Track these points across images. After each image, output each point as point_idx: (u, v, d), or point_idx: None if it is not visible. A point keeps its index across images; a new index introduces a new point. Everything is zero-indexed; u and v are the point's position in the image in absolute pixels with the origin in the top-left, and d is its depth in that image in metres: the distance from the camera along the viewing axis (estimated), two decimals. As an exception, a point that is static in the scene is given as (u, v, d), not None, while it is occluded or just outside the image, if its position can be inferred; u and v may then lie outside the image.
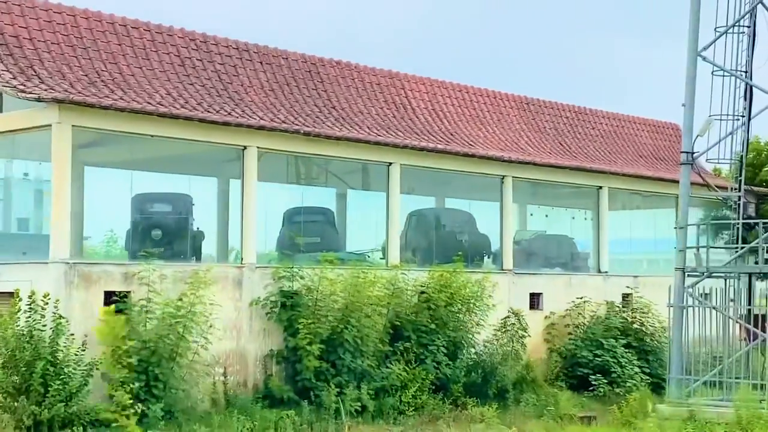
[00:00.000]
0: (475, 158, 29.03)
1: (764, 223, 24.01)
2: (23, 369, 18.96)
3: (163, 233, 24.59)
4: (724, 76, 24.90)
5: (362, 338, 23.68)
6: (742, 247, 24.22)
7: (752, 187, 33.55)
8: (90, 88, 22.40)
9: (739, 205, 24.68)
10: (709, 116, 24.93)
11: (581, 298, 31.08)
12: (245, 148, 23.94)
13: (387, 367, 24.21)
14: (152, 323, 20.81)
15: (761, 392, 23.42)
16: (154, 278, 21.31)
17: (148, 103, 22.94)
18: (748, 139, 24.85)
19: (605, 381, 28.41)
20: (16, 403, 18.99)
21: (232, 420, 20.85)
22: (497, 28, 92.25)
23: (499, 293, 28.55)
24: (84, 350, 19.86)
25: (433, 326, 25.48)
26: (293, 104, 27.01)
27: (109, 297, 20.91)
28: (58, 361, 19.28)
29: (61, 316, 19.64)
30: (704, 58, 24.73)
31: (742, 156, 24.87)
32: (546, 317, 30.55)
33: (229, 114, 24.35)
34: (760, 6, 24.72)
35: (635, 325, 31.53)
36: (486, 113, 33.11)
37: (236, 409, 21.80)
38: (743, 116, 24.64)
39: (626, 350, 29.92)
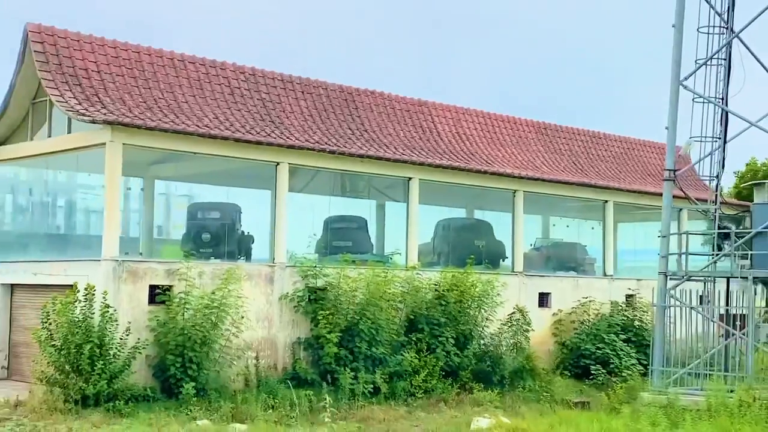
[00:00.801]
0: (487, 174, 28.51)
1: (736, 233, 23.16)
2: (74, 350, 19.04)
3: (211, 236, 24.62)
4: (704, 102, 24.13)
5: (377, 329, 23.35)
6: (717, 254, 23.38)
7: (730, 200, 32.11)
8: (146, 113, 22.49)
9: (715, 216, 23.83)
10: (690, 138, 24.15)
11: (587, 297, 30.39)
12: (278, 164, 23.80)
13: (401, 355, 23.82)
14: (189, 313, 20.74)
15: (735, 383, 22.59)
16: (193, 274, 21.26)
17: (197, 126, 22.96)
18: (724, 159, 23.96)
19: (604, 371, 27.67)
20: (67, 380, 19.09)
21: (257, 397, 20.69)
22: (530, 63, 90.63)
23: (509, 292, 28.03)
24: (128, 335, 19.91)
25: (443, 320, 25.03)
26: (329, 127, 26.84)
27: (153, 290, 20.93)
28: (105, 344, 19.33)
29: (108, 306, 19.70)
30: (685, 87, 23.96)
31: (718, 174, 24.01)
32: (554, 314, 29.88)
33: (269, 135, 24.25)
34: (735, 40, 23.85)
35: (636, 323, 30.74)
36: (505, 136, 32.56)
37: (264, 388, 21.67)
38: (719, 138, 23.81)
39: (626, 344, 29.18)
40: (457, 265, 27.95)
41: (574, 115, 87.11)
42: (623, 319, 30.50)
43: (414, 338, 24.61)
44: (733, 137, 24.23)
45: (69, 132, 22.42)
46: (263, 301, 22.98)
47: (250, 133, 23.95)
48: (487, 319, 26.50)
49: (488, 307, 26.43)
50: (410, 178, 26.92)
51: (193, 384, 20.00)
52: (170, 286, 21.07)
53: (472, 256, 27.04)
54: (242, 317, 21.50)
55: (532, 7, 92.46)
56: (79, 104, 21.53)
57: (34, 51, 21.94)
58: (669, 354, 23.85)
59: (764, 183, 24.94)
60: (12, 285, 23.66)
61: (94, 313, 19.47)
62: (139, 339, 20.06)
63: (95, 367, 18.93)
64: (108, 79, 22.86)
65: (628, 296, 32.00)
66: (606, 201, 32.30)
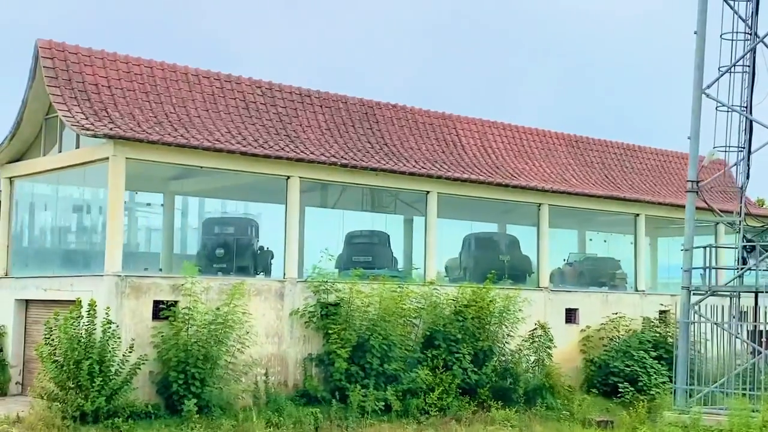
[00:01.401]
0: (509, 188, 27.75)
1: (763, 246, 22.10)
2: (73, 367, 18.74)
3: (225, 251, 24.26)
4: (728, 111, 23.13)
5: (390, 345, 22.71)
6: (741, 268, 22.33)
7: (757, 211, 30.67)
8: (156, 127, 22.21)
9: (739, 229, 22.77)
10: (714, 148, 23.17)
11: (616, 313, 29.39)
12: (288, 177, 23.34)
13: (414, 372, 23.13)
14: (192, 329, 20.33)
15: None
16: (198, 290, 20.85)
17: (207, 140, 22.62)
18: (748, 170, 22.91)
19: (632, 389, 26.66)
20: (66, 396, 18.78)
21: (261, 414, 20.19)
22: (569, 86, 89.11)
23: (534, 308, 27.22)
24: (131, 352, 19.56)
25: (461, 336, 24.28)
26: (347, 141, 26.35)
27: (158, 306, 20.57)
28: (105, 361, 19.00)
29: (110, 322, 19.38)
30: (708, 95, 23.00)
31: (743, 185, 22.97)
32: (582, 330, 28.93)
33: (282, 149, 23.82)
34: (760, 46, 22.86)
35: (669, 339, 29.60)
36: (534, 149, 31.74)
37: (272, 405, 21.17)
38: (744, 148, 22.79)
39: (657, 361, 28.08)
40: (482, 280, 27.29)
41: (623, 131, 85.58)
42: (655, 336, 29.42)
43: (430, 354, 23.92)
44: (759, 147, 23.20)
45: (77, 147, 22.23)
46: (273, 316, 22.49)
47: (262, 147, 23.54)
48: (508, 335, 25.69)
49: (509, 323, 25.65)
50: (428, 192, 26.27)
51: (195, 401, 19.55)
52: (175, 302, 20.69)
53: (493, 271, 26.28)
54: (247, 333, 21.02)
55: (567, 21, 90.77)
56: (86, 119, 21.31)
57: (44, 67, 21.83)
58: (700, 371, 22.88)
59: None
60: (26, 300, 23.52)
61: (95, 329, 19.15)
62: (142, 355, 19.68)
63: (94, 384, 18.60)
64: (119, 94, 22.65)
65: (662, 312, 30.91)
66: (637, 215, 31.28)
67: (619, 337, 29.12)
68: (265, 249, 25.83)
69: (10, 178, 24.64)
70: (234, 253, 24.36)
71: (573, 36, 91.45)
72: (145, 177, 25.49)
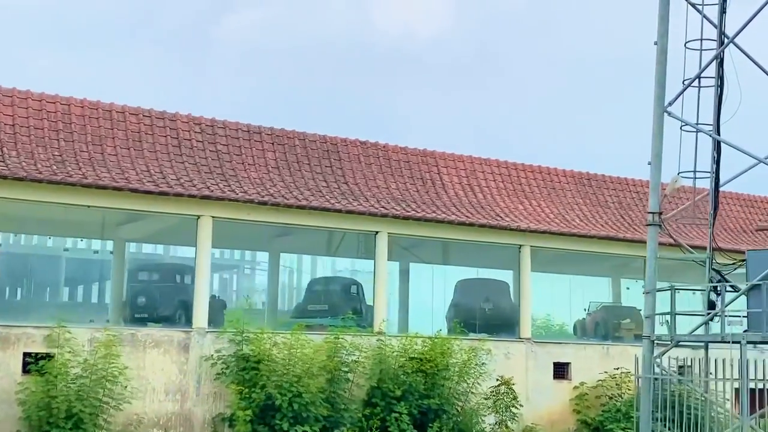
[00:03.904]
0: (485, 228, 24.25)
1: (731, 286, 17.89)
2: None
3: (147, 299, 21.73)
4: (696, 131, 19.11)
5: (306, 405, 19.48)
6: (708, 313, 18.13)
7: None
8: (54, 166, 20.02)
9: (707, 267, 18.59)
10: (678, 174, 19.15)
11: (618, 368, 25.20)
12: (199, 217, 20.65)
13: (338, 433, 19.85)
14: (61, 385, 17.72)
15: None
16: (77, 342, 18.29)
17: (114, 179, 20.23)
18: (716, 198, 18.74)
19: (629, 457, 22.51)
20: None
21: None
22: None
23: (513, 362, 23.59)
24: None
25: (400, 393, 20.82)
26: (296, 180, 23.48)
27: (27, 358, 18.12)
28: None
29: (-38, 376, 17.05)
30: (670, 114, 19.08)
31: (710, 216, 18.81)
32: (575, 388, 24.91)
33: (208, 188, 21.14)
34: (729, 54, 18.83)
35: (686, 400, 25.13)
36: (533, 188, 28.03)
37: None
38: (711, 172, 18.69)
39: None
40: (467, 329, 23.90)
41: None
42: (665, 395, 25.01)
43: (362, 414, 20.57)
44: (738, 174, 19.04)
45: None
46: (175, 370, 19.67)
47: (185, 187, 20.97)
48: (470, 392, 22.07)
49: (472, 378, 22.05)
50: (377, 232, 23.09)
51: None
52: (47, 354, 18.18)
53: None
54: (126, 387, 18.26)
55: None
56: (-25, 158, 19.34)
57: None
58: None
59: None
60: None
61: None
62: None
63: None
64: (22, 132, 20.60)
65: (680, 367, 26.42)
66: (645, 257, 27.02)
67: (620, 396, 24.95)
68: (217, 298, 23.25)
69: None
70: (159, 302, 21.80)
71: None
72: (88, 223, 23.57)
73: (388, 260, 27.83)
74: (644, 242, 25.85)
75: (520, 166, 28.30)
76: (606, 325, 28.86)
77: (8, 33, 78.82)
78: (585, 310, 31.10)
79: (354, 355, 20.92)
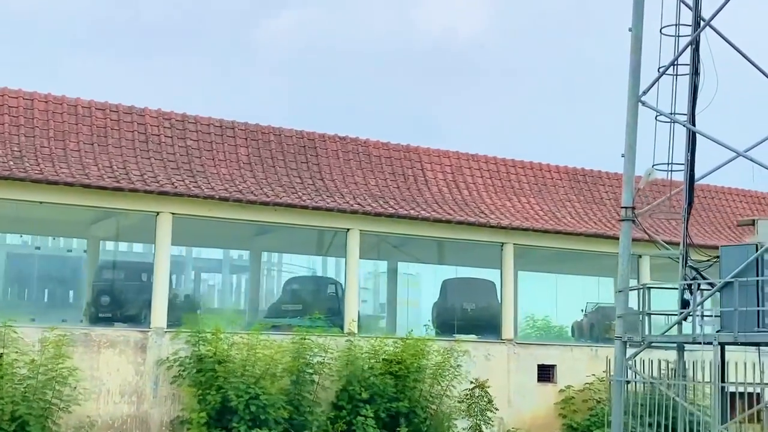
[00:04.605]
0: (464, 225, 23.31)
1: (708, 283, 16.83)
2: None
3: (111, 299, 21.07)
4: (671, 122, 18.06)
5: (264, 407, 18.66)
6: (681, 313, 17.08)
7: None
8: (11, 162, 19.43)
9: (681, 264, 17.51)
10: (652, 166, 18.12)
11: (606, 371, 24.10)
12: (158, 213, 19.91)
13: (297, 438, 19.01)
14: (7, 386, 17.06)
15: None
16: (27, 341, 17.64)
17: (73, 175, 19.59)
18: (691, 190, 17.65)
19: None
20: None
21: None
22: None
23: (494, 364, 22.68)
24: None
25: (367, 396, 19.95)
26: (269, 176, 22.70)
27: (-27, 359, 17.51)
28: None
29: None
30: (644, 103, 18.07)
31: (684, 210, 17.73)
32: (561, 391, 23.88)
33: (155, 183, 20.41)
34: (705, 41, 17.77)
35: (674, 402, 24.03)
36: (523, 184, 27.02)
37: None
38: (685, 165, 17.62)
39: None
40: (445, 331, 23.07)
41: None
42: (653, 399, 23.91)
43: (328, 417, 19.73)
44: (715, 169, 17.97)
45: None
46: (131, 372, 18.96)
47: (146, 183, 20.29)
48: (444, 395, 21.15)
49: (446, 381, 21.13)
50: (348, 230, 22.24)
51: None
52: (-4, 353, 17.57)
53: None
54: (75, 389, 17.57)
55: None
56: (-73, 154, 18.79)
57: None
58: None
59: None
60: None
61: None
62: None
63: None
64: (-20, 127, 20.08)
65: (673, 370, 25.29)
66: (640, 256, 25.92)
67: (609, 400, 23.84)
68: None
69: None
70: (123, 301, 21.13)
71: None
72: (63, 222, 22.99)
73: (378, 259, 27.01)
74: (636, 239, 24.83)
75: (509, 162, 27.32)
76: (600, 327, 27.78)
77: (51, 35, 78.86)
78: (582, 311, 30.07)
79: (320, 356, 20.07)
